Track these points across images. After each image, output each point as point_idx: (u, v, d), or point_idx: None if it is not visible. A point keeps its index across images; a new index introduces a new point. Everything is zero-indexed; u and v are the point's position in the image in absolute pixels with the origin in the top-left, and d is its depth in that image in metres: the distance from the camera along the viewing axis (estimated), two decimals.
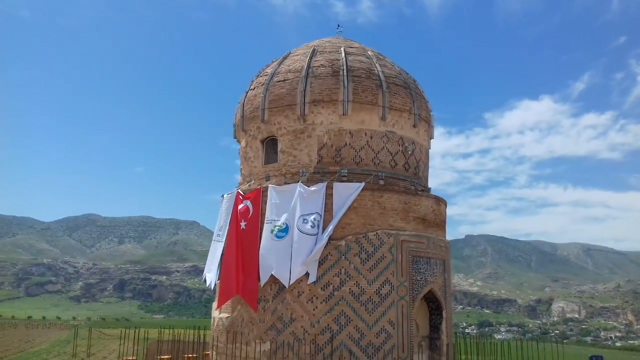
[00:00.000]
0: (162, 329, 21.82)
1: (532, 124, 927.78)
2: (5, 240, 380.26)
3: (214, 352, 18.29)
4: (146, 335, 20.51)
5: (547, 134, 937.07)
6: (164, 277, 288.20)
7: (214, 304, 19.34)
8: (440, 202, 19.38)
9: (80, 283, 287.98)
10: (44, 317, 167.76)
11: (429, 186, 20.53)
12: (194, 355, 21.05)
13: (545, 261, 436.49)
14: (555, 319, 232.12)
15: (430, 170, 21.09)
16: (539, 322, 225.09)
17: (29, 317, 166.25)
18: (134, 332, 22.12)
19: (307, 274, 16.32)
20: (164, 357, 20.81)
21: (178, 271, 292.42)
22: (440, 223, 19.17)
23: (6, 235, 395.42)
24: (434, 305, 18.37)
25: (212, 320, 19.31)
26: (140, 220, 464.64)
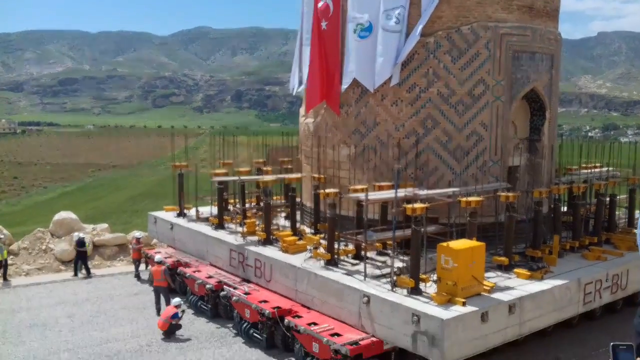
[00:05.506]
0: (252, 136, 22.23)
1: None
2: (129, 55, 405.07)
3: (302, 156, 18.42)
4: (234, 141, 20.96)
5: None
6: (277, 87, 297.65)
7: (301, 110, 19.04)
8: None
9: (200, 95, 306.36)
10: (172, 127, 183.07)
11: None
12: (289, 159, 21.43)
13: None
14: None
15: None
16: None
17: (159, 127, 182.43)
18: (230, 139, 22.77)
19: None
20: (259, 160, 21.47)
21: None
22: (551, 12, 16.52)
23: (128, 51, 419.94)
24: (536, 105, 16.65)
25: (299, 126, 19.18)
26: (250, 31, 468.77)
